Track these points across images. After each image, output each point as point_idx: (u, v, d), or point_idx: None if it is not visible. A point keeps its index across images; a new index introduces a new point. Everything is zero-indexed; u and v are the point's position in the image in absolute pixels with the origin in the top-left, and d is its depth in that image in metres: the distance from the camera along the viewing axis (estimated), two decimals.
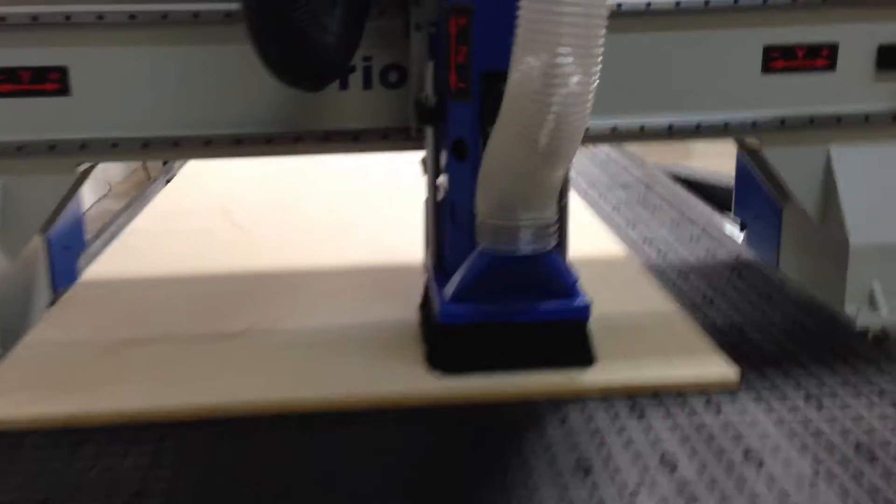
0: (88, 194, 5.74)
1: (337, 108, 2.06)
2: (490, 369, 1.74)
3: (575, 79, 1.47)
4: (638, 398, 1.71)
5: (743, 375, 1.79)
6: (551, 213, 1.66)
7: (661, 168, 4.04)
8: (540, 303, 1.73)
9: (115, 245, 2.65)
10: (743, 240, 2.76)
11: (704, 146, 4.79)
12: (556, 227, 1.68)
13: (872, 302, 2.15)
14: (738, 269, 2.48)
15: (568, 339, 1.76)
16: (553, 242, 1.67)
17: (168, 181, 3.41)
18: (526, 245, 1.64)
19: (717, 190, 3.92)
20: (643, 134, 2.14)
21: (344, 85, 2.05)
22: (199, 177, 3.40)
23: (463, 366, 1.74)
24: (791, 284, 2.33)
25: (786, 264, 2.50)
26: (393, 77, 2.05)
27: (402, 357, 1.83)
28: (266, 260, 2.46)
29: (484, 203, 1.64)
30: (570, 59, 1.46)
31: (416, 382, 1.75)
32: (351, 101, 2.06)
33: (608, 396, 1.71)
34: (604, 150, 4.00)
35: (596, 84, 1.53)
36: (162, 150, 2.04)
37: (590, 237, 2.62)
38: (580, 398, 1.70)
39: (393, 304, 2.11)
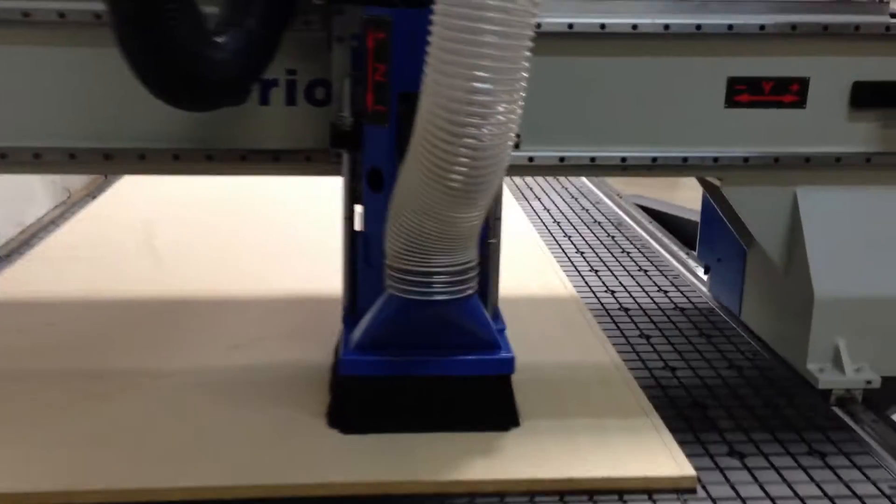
0: (45, 200, 5.53)
1: (256, 124, 1.86)
2: (397, 430, 1.54)
3: (494, 109, 1.29)
4: (569, 497, 1.46)
5: (698, 472, 1.53)
6: (470, 257, 1.46)
7: (640, 201, 3.79)
8: (456, 355, 1.54)
9: (16, 266, 2.43)
10: (707, 283, 2.57)
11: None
12: (477, 272, 1.49)
13: (837, 361, 1.96)
14: (707, 332, 2.24)
15: (488, 397, 1.56)
16: (472, 289, 1.48)
17: (94, 197, 3.19)
18: (440, 292, 1.45)
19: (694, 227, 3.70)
20: (594, 166, 1.95)
21: (265, 100, 1.85)
22: (138, 188, 3.19)
23: (366, 425, 1.55)
24: (765, 354, 2.12)
25: (748, 313, 2.31)
26: (320, 93, 1.84)
27: (302, 410, 1.62)
28: (177, 290, 2.25)
29: (393, 244, 1.45)
30: (488, 86, 1.27)
31: (307, 452, 1.50)
32: (272, 118, 1.86)
33: (533, 491, 1.46)
34: (579, 181, 3.78)
35: (519, 115, 1.34)
36: (56, 164, 1.84)
37: (542, 282, 2.41)
38: (500, 493, 1.46)
39: (313, 343, 1.91)
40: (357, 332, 1.54)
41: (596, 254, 2.84)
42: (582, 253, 2.84)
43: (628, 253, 2.86)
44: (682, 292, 2.53)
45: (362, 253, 1.62)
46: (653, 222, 3.29)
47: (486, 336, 1.54)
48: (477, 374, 1.54)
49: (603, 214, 3.33)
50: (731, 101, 1.93)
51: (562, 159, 1.93)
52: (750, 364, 2.07)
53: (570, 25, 1.84)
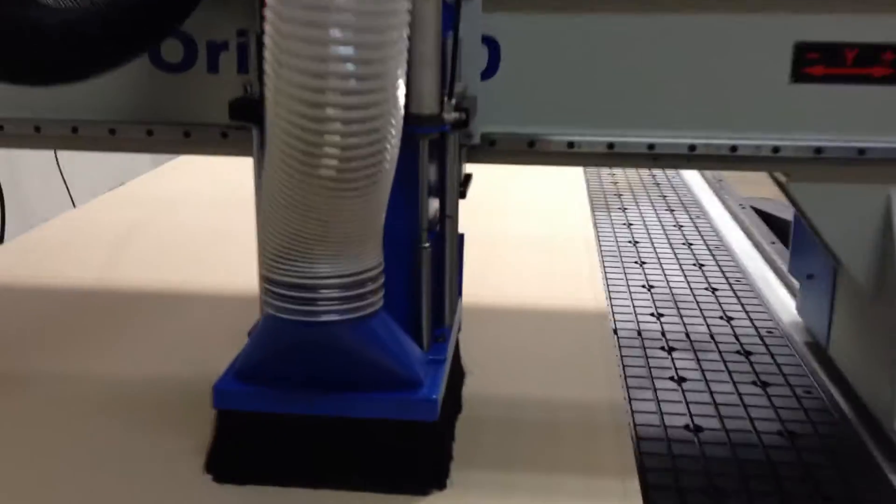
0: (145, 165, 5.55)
1: (202, 96, 1.58)
2: (282, 483, 1.21)
3: (365, 69, 0.94)
4: None
5: None
6: (367, 265, 1.11)
7: (765, 206, 3.14)
8: (358, 392, 1.18)
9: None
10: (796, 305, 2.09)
11: None
12: (380, 284, 1.13)
13: None
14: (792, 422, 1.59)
15: (403, 447, 1.20)
16: (372, 307, 1.12)
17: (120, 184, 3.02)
18: (327, 311, 1.10)
19: None
20: (612, 154, 1.54)
21: (213, 66, 1.57)
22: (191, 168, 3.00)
23: (243, 474, 1.22)
24: (837, 414, 1.61)
25: (836, 347, 1.83)
26: None
27: (190, 442, 1.31)
28: (129, 284, 2.00)
29: (266, 249, 1.11)
30: (349, 51, 0.93)
31: None
32: (221, 89, 1.56)
33: None
34: (685, 187, 3.18)
35: (403, 73, 0.98)
36: None
37: (572, 301, 1.97)
38: None
39: None
40: (239, 357, 1.22)
41: (670, 289, 2.22)
42: (651, 287, 2.23)
43: (714, 289, 2.23)
44: (756, 329, 1.96)
45: None
46: (774, 242, 2.61)
47: (398, 369, 1.17)
48: (383, 419, 1.18)
49: (699, 233, 2.70)
50: (800, 74, 1.47)
51: (571, 144, 1.54)
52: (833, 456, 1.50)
53: None
